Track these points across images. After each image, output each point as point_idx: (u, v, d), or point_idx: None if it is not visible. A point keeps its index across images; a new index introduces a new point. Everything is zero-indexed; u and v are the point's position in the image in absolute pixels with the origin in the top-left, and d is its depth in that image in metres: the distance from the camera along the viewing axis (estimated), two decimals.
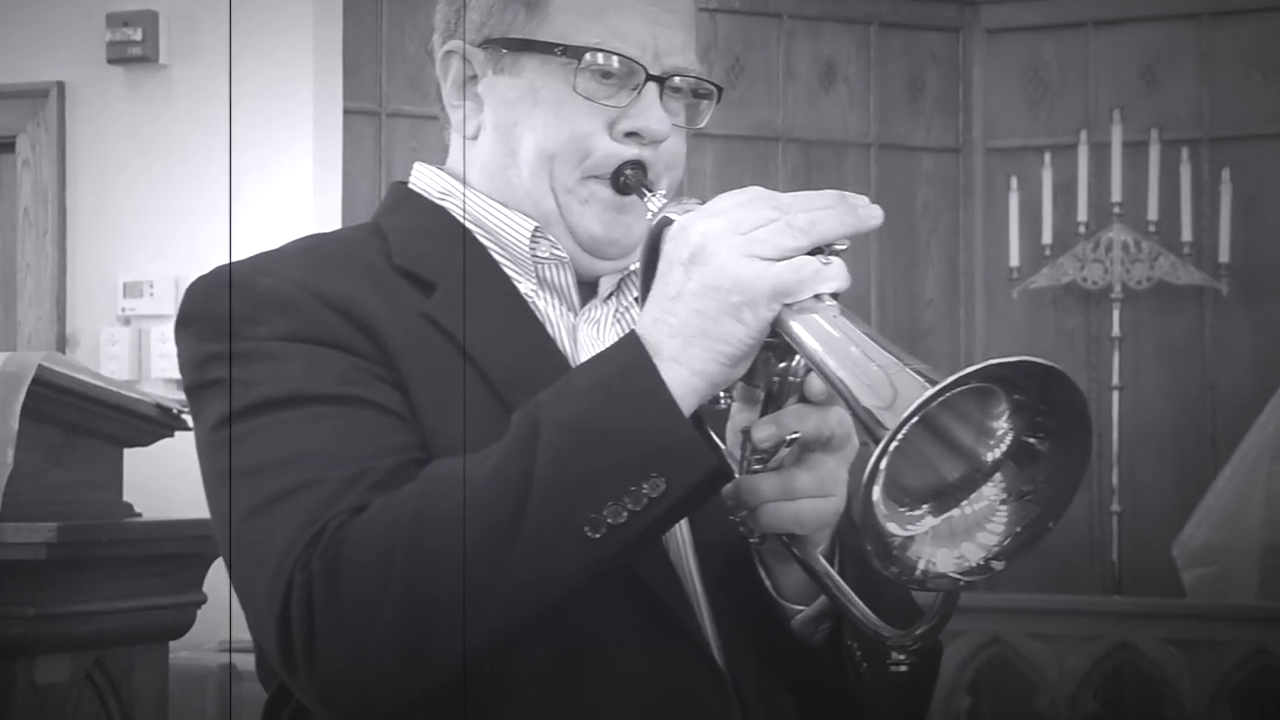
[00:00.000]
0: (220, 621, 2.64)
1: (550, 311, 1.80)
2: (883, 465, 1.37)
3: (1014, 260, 6.45)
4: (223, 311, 1.68)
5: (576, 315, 1.81)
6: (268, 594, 1.55)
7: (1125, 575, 6.30)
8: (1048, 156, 6.47)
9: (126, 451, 3.39)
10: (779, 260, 1.51)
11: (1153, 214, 6.34)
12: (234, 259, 1.74)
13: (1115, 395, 6.34)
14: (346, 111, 5.76)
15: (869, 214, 1.53)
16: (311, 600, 1.52)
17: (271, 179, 5.47)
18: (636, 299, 1.77)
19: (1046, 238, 6.42)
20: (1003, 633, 5.43)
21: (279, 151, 5.51)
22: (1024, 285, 6.46)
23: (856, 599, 1.63)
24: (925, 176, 6.73)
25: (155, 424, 3.33)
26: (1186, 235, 6.32)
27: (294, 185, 5.53)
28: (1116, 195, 6.35)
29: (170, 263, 5.53)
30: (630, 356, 1.55)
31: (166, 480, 3.21)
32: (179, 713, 3.62)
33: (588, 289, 1.83)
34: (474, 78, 1.84)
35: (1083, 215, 6.42)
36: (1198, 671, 5.22)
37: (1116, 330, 6.39)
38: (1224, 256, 6.32)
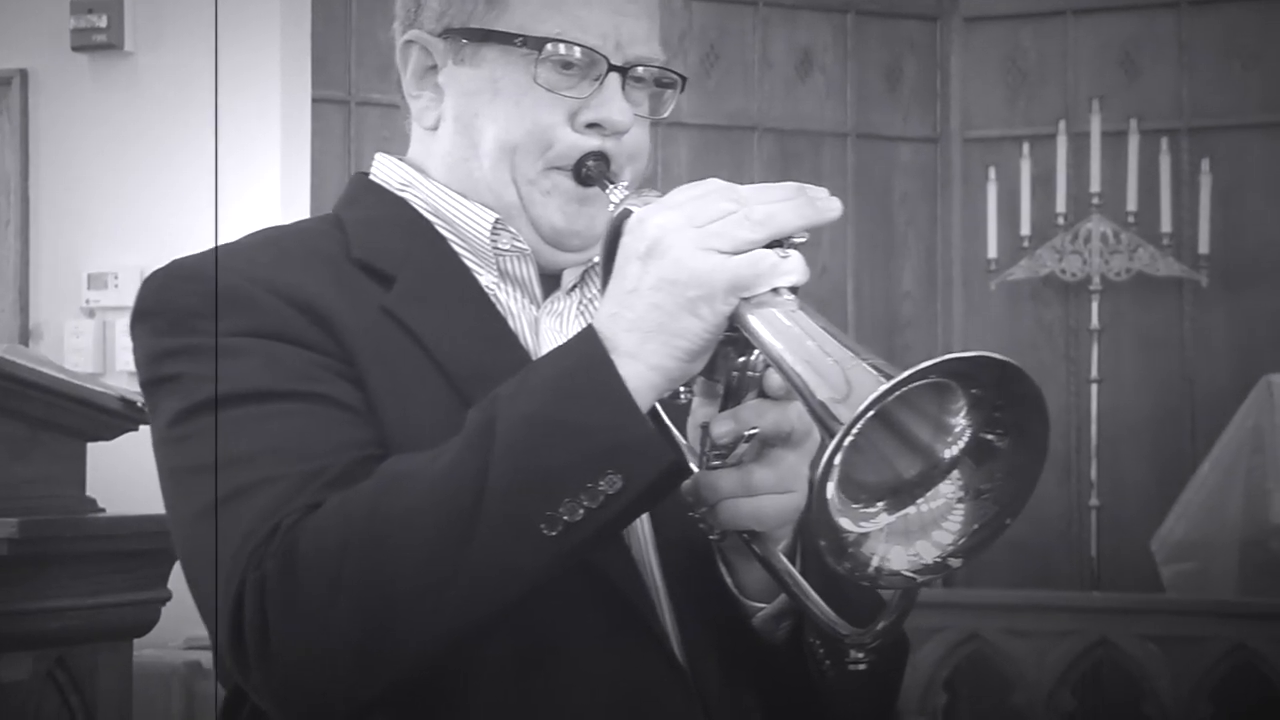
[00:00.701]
0: (184, 619, 2.61)
1: (512, 304, 1.78)
2: (837, 460, 1.35)
3: (992, 251, 6.44)
4: (179, 306, 1.67)
5: (539, 308, 1.80)
6: (221, 593, 1.53)
7: (1104, 571, 6.30)
8: (1026, 146, 6.47)
9: (90, 446, 3.37)
10: (736, 254, 1.49)
11: (1132, 205, 6.34)
12: (191, 251, 1.72)
13: (1094, 388, 6.33)
14: (315, 100, 5.75)
15: (827, 206, 1.52)
16: (264, 599, 1.50)
17: (240, 168, 5.43)
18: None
19: (1025, 229, 6.42)
20: (980, 629, 5.43)
21: (247, 140, 5.47)
22: (1002, 277, 6.45)
23: (815, 596, 1.61)
24: (903, 167, 6.72)
25: (119, 418, 3.31)
26: (1166, 226, 6.32)
27: (262, 174, 5.51)
28: (1095, 186, 6.34)
29: (135, 254, 5.49)
30: (587, 351, 1.53)
31: (130, 475, 3.16)
32: (143, 711, 3.60)
33: (551, 281, 1.81)
34: (434, 68, 1.82)
35: (1061, 206, 6.41)
36: (1177, 668, 5.22)
37: (1095, 322, 6.38)
38: (1203, 248, 6.32)
